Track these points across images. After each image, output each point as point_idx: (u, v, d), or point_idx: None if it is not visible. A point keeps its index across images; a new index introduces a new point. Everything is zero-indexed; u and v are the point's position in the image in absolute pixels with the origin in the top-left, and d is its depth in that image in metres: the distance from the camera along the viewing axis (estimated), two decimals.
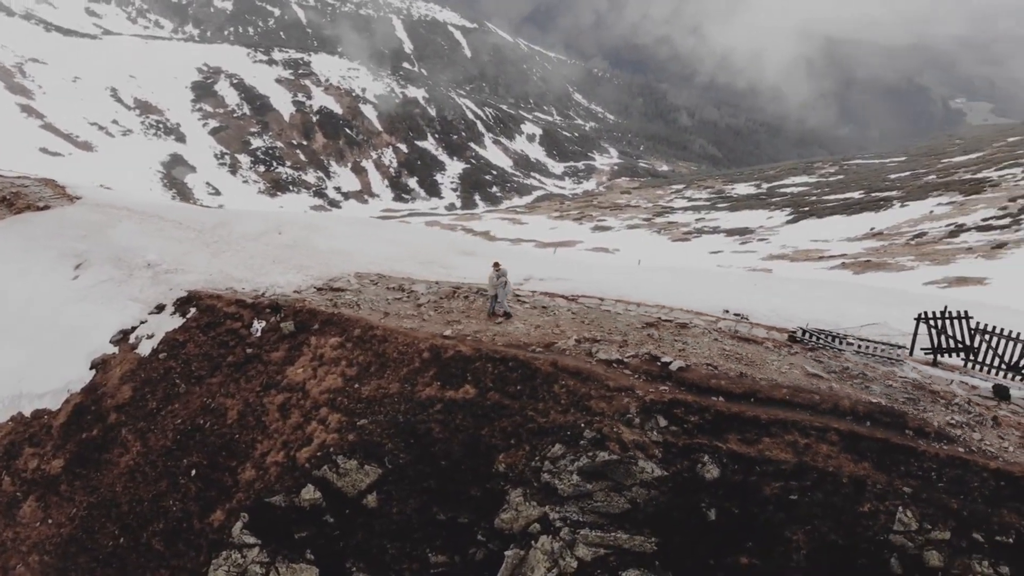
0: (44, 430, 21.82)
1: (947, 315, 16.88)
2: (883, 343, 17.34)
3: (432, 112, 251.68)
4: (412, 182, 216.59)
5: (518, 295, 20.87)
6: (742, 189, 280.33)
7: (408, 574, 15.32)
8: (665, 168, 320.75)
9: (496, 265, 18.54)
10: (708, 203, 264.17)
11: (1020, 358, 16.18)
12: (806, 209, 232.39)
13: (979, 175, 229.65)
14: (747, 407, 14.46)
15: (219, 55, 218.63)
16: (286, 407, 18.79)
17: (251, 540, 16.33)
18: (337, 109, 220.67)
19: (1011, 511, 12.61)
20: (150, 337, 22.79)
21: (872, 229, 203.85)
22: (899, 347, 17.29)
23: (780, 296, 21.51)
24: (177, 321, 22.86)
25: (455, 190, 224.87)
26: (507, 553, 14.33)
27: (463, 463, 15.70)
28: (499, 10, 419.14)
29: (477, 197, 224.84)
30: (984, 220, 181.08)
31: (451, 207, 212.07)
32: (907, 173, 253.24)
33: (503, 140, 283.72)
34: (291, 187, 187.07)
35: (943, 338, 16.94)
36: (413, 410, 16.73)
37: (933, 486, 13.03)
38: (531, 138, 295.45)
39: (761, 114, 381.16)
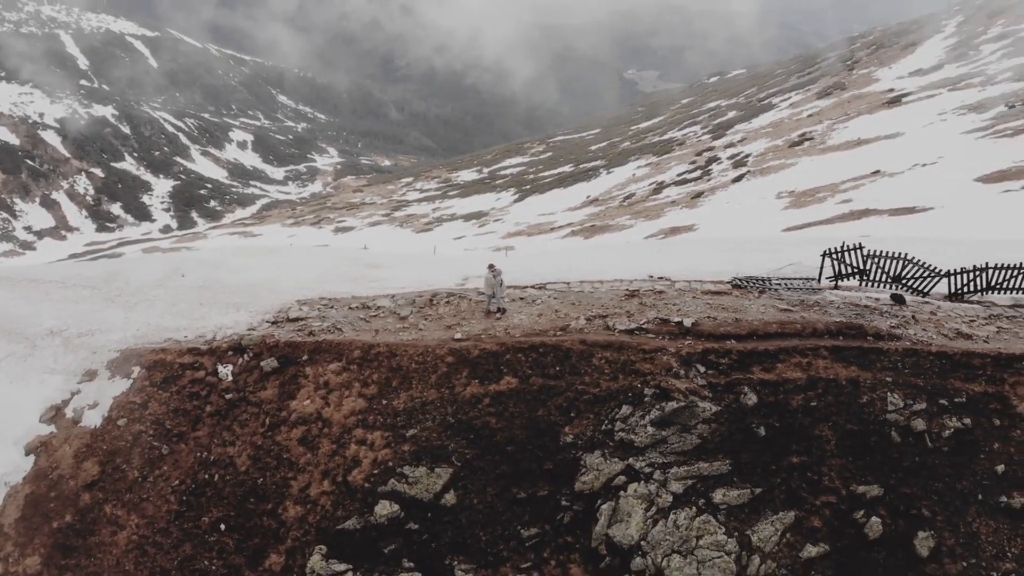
0: None
1: (845, 248, 21.79)
2: (799, 278, 21.88)
3: (126, 130, 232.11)
4: (116, 208, 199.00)
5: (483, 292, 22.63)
6: (467, 175, 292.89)
7: (506, 552, 16.85)
8: (387, 163, 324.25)
9: (491, 266, 20.18)
10: (439, 192, 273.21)
11: (900, 271, 21.52)
12: (528, 187, 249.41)
13: (666, 136, 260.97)
14: (755, 343, 17.96)
15: None
16: (309, 440, 18.96)
17: (341, 567, 16.76)
18: (13, 140, 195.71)
19: (955, 379, 17.37)
20: (94, 406, 21.10)
21: (588, 197, 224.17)
22: (810, 279, 21.94)
23: (682, 257, 25.49)
24: (122, 383, 21.38)
25: (168, 210, 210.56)
26: (602, 507, 16.50)
27: (529, 444, 17.47)
28: (181, 16, 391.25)
29: (195, 214, 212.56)
30: (679, 175, 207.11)
31: (167, 229, 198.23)
32: (605, 143, 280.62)
33: (212, 151, 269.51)
34: None
35: (842, 266, 21.84)
36: (462, 409, 18.05)
37: (902, 373, 17.44)
38: (243, 145, 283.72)
39: (487, 95, 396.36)
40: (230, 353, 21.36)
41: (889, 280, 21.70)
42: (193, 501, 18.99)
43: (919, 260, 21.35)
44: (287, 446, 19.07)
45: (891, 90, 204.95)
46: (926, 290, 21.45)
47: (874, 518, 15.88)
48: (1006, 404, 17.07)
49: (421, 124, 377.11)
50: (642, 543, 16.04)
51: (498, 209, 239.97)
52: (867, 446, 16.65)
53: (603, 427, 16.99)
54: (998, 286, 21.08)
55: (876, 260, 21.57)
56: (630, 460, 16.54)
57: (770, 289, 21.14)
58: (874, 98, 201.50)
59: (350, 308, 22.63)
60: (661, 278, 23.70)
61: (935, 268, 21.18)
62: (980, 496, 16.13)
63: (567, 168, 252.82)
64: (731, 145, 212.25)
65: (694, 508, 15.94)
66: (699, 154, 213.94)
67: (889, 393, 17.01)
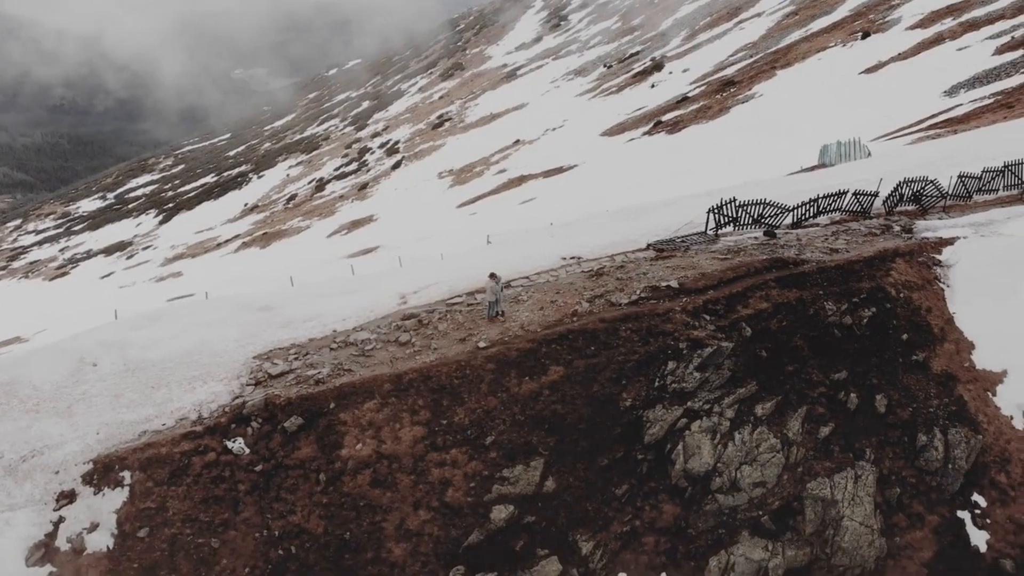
0: None
1: (723, 203, 27.03)
2: (692, 234, 26.73)
3: None
4: None
5: (452, 300, 23.88)
6: (89, 205, 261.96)
7: (610, 512, 19.23)
8: None
9: (492, 275, 21.61)
10: (61, 229, 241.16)
11: (760, 214, 27.38)
12: (171, 206, 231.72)
13: (307, 133, 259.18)
14: (727, 289, 22.26)
15: None
16: (381, 480, 19.12)
17: None
18: None
19: (852, 282, 23.47)
20: (94, 528, 18.51)
21: (247, 205, 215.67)
22: (702, 233, 26.91)
23: (580, 236, 28.94)
24: (117, 494, 18.95)
25: None
26: (677, 448, 19.67)
27: (595, 418, 19.85)
28: None
29: None
30: (337, 170, 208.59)
31: None
32: (243, 147, 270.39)
33: None
34: None
35: (721, 217, 27.11)
36: (528, 405, 19.72)
37: (823, 286, 23.07)
38: None
39: (113, 107, 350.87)
40: (233, 426, 20.09)
41: (752, 221, 27.56)
42: None
43: (773, 201, 27.48)
44: (360, 493, 19.00)
45: (505, 65, 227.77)
46: (778, 224, 27.72)
47: (852, 395, 21.28)
48: (886, 292, 23.60)
49: (7, 156, 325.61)
50: (717, 465, 19.60)
51: (143, 235, 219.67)
52: (825, 344, 21.98)
53: (656, 384, 20.05)
54: (823, 211, 28.10)
55: (744, 208, 27.24)
56: (687, 404, 19.89)
57: (684, 246, 25.67)
58: (493, 74, 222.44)
59: (331, 349, 22.38)
60: (573, 258, 26.97)
61: (785, 205, 27.48)
62: (900, 360, 22.39)
63: (210, 178, 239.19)
64: (377, 134, 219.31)
65: (749, 425, 19.89)
66: (349, 147, 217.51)
67: (825, 303, 22.52)
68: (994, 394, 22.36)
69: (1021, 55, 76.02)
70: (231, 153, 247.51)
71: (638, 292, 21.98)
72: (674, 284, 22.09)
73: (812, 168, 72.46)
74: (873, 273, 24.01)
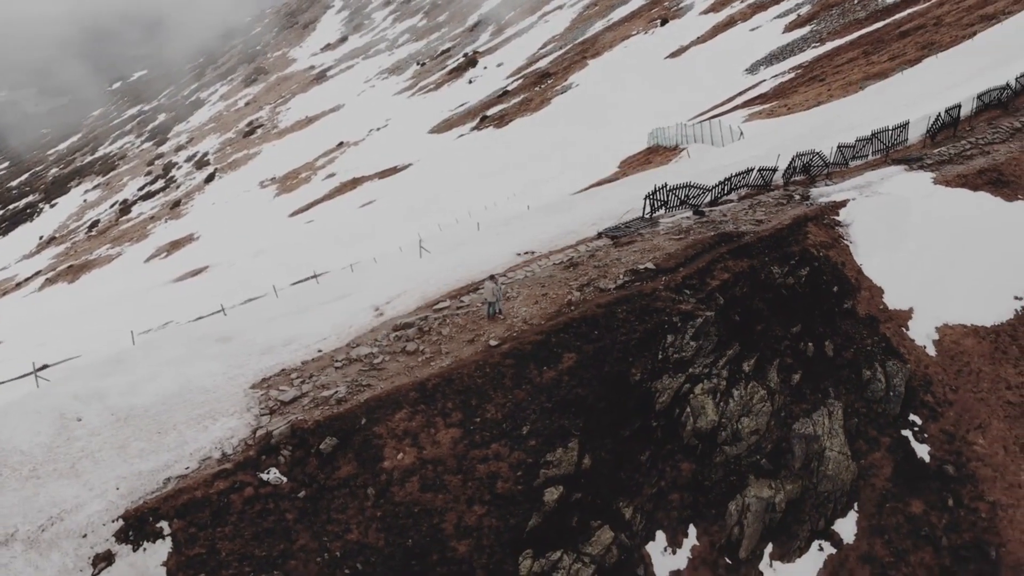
0: None
1: (657, 189, 29.46)
2: (636, 219, 29.03)
3: None
4: None
5: (439, 305, 24.57)
6: None
7: (640, 478, 21.08)
8: None
9: (492, 277, 22.50)
10: None
11: (686, 196, 30.14)
12: None
13: (99, 153, 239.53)
14: (694, 265, 24.70)
15: None
16: (430, 484, 19.73)
17: (555, 555, 19.03)
18: None
19: (785, 247, 26.77)
20: None
21: (42, 237, 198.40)
22: (642, 218, 29.26)
23: (526, 232, 30.29)
24: (159, 547, 18.21)
25: None
26: (685, 411, 21.84)
27: (611, 395, 21.56)
28: None
29: None
30: (141, 189, 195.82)
31: None
32: (27, 175, 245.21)
33: None
34: None
35: (655, 202, 29.57)
36: (553, 392, 21.03)
37: (766, 252, 26.16)
38: None
39: None
40: (263, 458, 19.82)
41: (679, 202, 30.30)
42: None
43: (696, 183, 30.35)
44: (413, 500, 19.51)
45: (312, 67, 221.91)
46: (701, 203, 30.67)
47: (808, 344, 24.49)
48: (811, 253, 27.12)
49: None
50: (721, 420, 22.00)
51: None
52: (779, 303, 25.06)
53: (659, 357, 22.08)
54: (735, 187, 31.41)
55: (673, 191, 29.90)
56: (689, 370, 22.11)
57: (634, 231, 27.86)
58: (300, 77, 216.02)
59: (336, 368, 22.43)
60: (527, 252, 28.46)
61: (706, 185, 30.46)
62: (836, 309, 25.93)
63: None
64: (181, 148, 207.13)
65: (742, 381, 22.44)
66: (151, 163, 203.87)
67: (771, 268, 25.61)
68: (907, 329, 26.45)
69: (809, 31, 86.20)
70: (13, 183, 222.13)
71: (621, 277, 23.89)
72: (651, 266, 24.22)
73: (648, 150, 78.18)
74: (797, 238, 27.47)
